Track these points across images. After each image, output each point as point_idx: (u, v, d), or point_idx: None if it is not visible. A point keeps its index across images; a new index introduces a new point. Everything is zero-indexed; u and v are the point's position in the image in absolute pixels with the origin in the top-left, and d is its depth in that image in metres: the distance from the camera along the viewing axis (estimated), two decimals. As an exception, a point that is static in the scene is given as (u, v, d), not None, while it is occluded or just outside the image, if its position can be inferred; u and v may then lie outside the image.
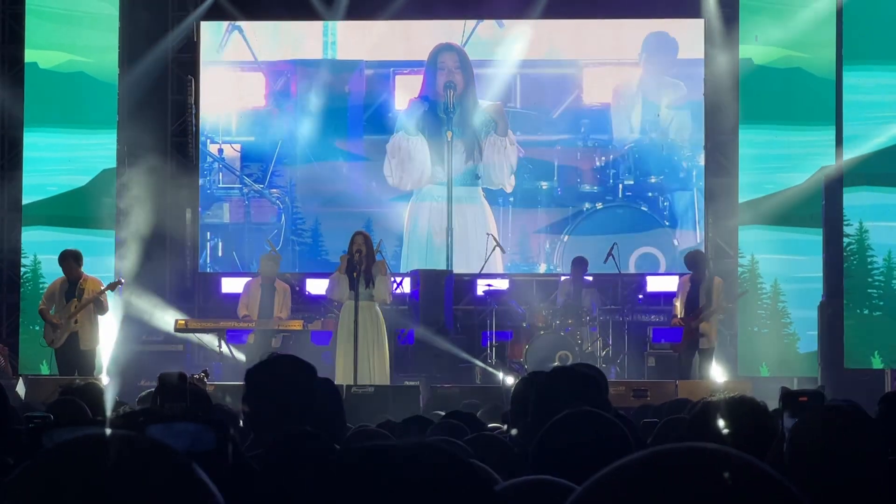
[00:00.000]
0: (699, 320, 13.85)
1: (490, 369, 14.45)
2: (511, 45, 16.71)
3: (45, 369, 15.26)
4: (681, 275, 14.58)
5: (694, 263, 14.13)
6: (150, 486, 1.24)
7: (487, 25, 16.80)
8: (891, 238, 14.52)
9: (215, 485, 1.28)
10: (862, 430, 3.12)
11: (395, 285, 14.41)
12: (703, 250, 16.14)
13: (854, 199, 14.45)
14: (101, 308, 13.59)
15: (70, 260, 13.54)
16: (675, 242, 16.43)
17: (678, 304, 14.14)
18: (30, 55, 15.91)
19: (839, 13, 14.87)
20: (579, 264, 15.29)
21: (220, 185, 17.08)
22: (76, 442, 1.27)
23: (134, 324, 16.01)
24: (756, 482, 1.16)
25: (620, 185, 16.69)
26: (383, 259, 13.19)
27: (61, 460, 1.25)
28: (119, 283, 14.12)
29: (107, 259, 15.46)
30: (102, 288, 13.80)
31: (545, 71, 16.80)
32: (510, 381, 12.88)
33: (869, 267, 14.47)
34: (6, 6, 16.61)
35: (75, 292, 13.45)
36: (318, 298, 15.41)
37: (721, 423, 3.73)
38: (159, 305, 15.54)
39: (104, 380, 13.29)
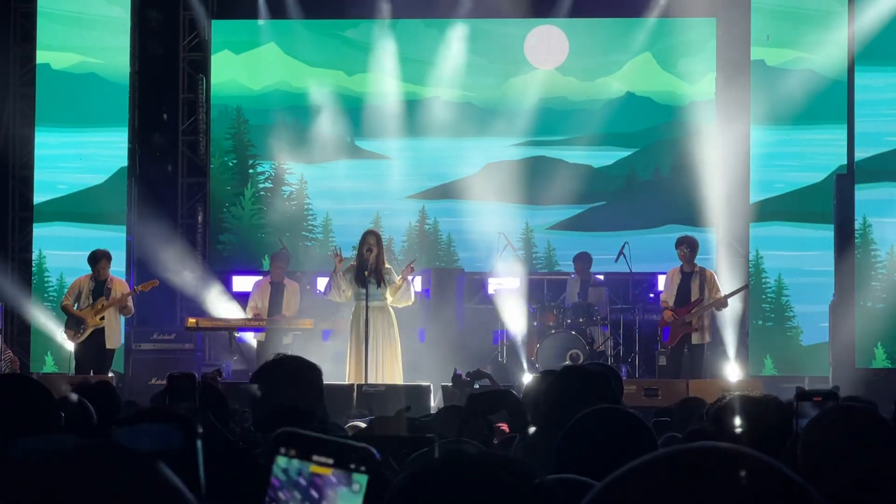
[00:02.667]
0: (694, 313, 13.64)
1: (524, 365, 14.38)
2: (520, 47, 16.72)
3: (49, 361, 15.35)
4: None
5: (685, 245, 13.70)
6: (117, 491, 1.25)
7: (506, 24, 16.78)
8: (893, 232, 14.63)
9: (188, 481, 1.30)
10: (875, 430, 3.10)
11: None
12: (715, 248, 16.13)
13: (860, 195, 14.57)
14: (127, 310, 13.80)
15: (104, 260, 13.77)
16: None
17: (665, 297, 13.81)
18: (42, 56, 16.01)
19: (850, 12, 14.90)
20: (583, 260, 15.27)
21: (231, 183, 17.09)
22: (44, 457, 1.28)
23: (145, 322, 16.04)
24: (773, 483, 1.15)
25: (631, 183, 16.66)
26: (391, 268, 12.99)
27: (30, 475, 1.26)
28: (154, 284, 14.23)
29: (117, 254, 15.54)
30: (137, 287, 14.01)
31: (556, 70, 16.78)
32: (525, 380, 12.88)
33: (872, 260, 14.61)
34: (17, 5, 16.65)
35: (103, 291, 13.62)
36: (328, 297, 15.42)
37: (744, 421, 3.70)
38: (221, 296, 15.70)
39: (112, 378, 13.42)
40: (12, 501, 1.26)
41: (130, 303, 13.86)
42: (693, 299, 13.62)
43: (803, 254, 15.45)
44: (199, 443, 1.55)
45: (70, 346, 14.01)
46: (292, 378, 4.04)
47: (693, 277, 13.69)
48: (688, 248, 13.74)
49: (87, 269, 13.93)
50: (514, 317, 15.06)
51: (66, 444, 1.35)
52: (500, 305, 15.16)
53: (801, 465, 3.02)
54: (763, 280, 15.54)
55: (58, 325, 14.66)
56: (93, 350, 13.60)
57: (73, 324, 13.67)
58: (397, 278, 12.64)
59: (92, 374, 13.23)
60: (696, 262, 13.88)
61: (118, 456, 1.29)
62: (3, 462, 1.36)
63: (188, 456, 1.53)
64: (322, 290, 13.18)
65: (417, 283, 15.27)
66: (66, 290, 14.28)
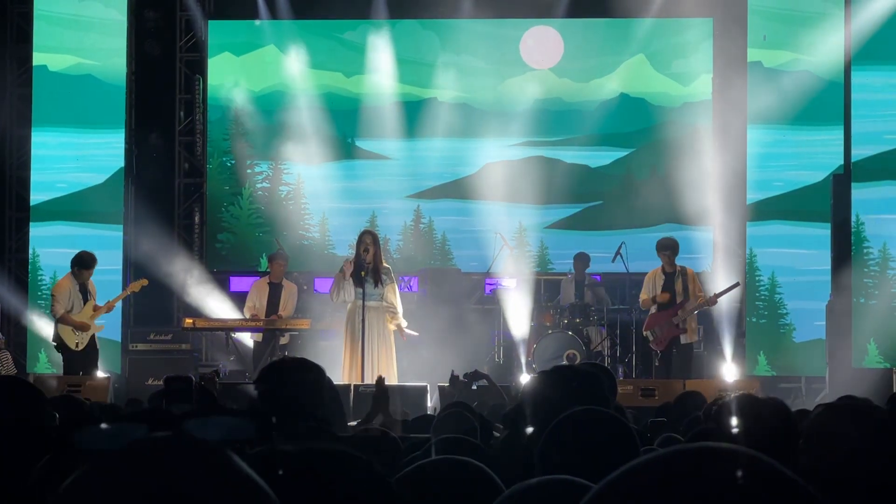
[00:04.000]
0: (681, 315, 13.53)
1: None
2: (516, 47, 16.76)
3: (42, 358, 15.35)
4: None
5: (665, 249, 13.62)
6: (191, 480, 1.26)
7: (502, 25, 16.79)
8: (885, 230, 14.73)
9: (260, 471, 1.31)
10: (878, 427, 3.09)
11: (402, 283, 14.37)
12: (712, 248, 16.16)
13: (855, 194, 14.68)
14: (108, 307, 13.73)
15: (93, 265, 13.57)
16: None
17: (648, 298, 13.69)
18: (39, 58, 16.03)
19: (847, 14, 14.95)
20: (581, 259, 15.27)
21: (230, 183, 17.10)
22: (117, 447, 1.29)
23: (142, 322, 16.04)
24: (775, 484, 1.15)
25: (628, 183, 16.68)
26: (389, 268, 12.89)
27: (115, 466, 1.27)
28: (143, 282, 14.17)
29: (115, 254, 15.55)
30: (128, 289, 13.95)
31: (551, 71, 16.80)
32: (522, 380, 12.87)
33: (865, 258, 14.69)
34: (14, 5, 16.67)
35: (87, 295, 13.52)
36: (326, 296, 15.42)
37: (747, 421, 3.68)
38: (217, 298, 15.71)
39: (103, 375, 13.45)
40: (86, 490, 1.26)
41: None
42: (679, 300, 13.57)
43: (799, 252, 15.51)
44: (273, 434, 1.55)
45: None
46: (293, 378, 4.05)
47: (676, 277, 13.64)
48: (670, 251, 13.70)
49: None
50: (515, 316, 15.06)
51: (138, 434, 1.36)
52: (503, 304, 15.16)
53: (806, 465, 3.00)
54: (757, 278, 15.60)
55: (49, 325, 14.57)
56: (88, 352, 13.50)
57: (72, 333, 13.40)
58: (395, 293, 12.53)
59: (81, 374, 13.20)
60: (676, 261, 13.83)
61: (192, 446, 1.29)
62: (74, 450, 1.37)
63: (263, 447, 1.54)
64: (329, 295, 12.91)
65: (414, 283, 15.28)
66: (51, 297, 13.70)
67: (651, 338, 13.68)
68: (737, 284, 14.30)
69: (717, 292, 13.87)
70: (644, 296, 13.79)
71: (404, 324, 12.58)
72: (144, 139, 16.86)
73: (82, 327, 13.38)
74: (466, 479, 2.70)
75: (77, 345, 13.40)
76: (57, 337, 13.44)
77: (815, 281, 15.22)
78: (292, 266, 15.44)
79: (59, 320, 13.42)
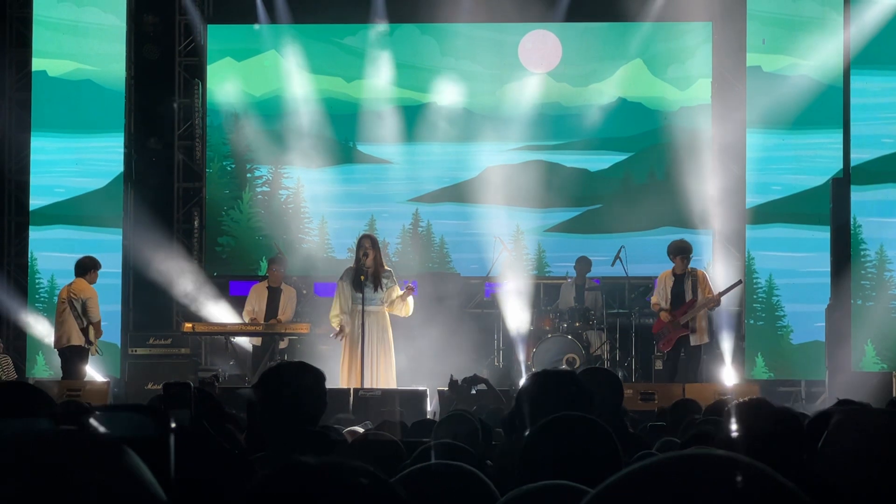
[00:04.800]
0: (688, 315, 13.56)
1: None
2: (515, 51, 16.77)
3: (41, 362, 15.35)
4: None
5: (681, 253, 13.63)
6: (80, 475, 1.27)
7: (502, 29, 16.80)
8: (882, 232, 14.81)
9: (157, 470, 1.32)
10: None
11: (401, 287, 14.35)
12: (711, 251, 16.16)
13: (853, 197, 14.73)
14: None
15: (99, 268, 13.64)
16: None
17: (659, 301, 13.67)
18: (38, 64, 16.06)
19: (846, 18, 14.97)
20: (583, 264, 15.26)
21: (230, 187, 17.10)
22: (12, 439, 1.30)
23: (141, 327, 16.04)
24: (766, 489, 1.16)
25: (627, 186, 16.68)
26: (390, 270, 12.88)
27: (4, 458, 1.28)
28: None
29: (114, 257, 15.55)
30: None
31: (550, 75, 16.81)
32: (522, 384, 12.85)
33: (862, 259, 14.75)
34: (14, 11, 16.68)
35: None
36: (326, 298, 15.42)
37: (747, 427, 3.67)
38: (217, 303, 15.72)
39: (102, 379, 13.44)
40: None
41: None
42: (687, 300, 13.57)
43: (798, 255, 15.54)
44: (171, 433, 1.57)
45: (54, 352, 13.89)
46: (293, 382, 4.06)
47: (686, 279, 13.63)
48: (684, 255, 13.68)
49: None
50: (515, 320, 15.06)
51: (38, 427, 1.37)
52: (502, 308, 15.15)
53: (824, 472, 2.99)
54: (755, 280, 15.64)
55: (49, 327, 14.57)
56: (85, 356, 13.57)
57: (95, 337, 13.50)
58: (397, 292, 12.53)
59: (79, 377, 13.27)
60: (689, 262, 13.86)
61: (84, 442, 1.30)
62: None
63: (161, 445, 1.55)
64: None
65: (413, 287, 15.27)
66: (82, 302, 13.38)
67: (659, 338, 13.67)
68: (739, 282, 14.33)
69: (720, 291, 13.84)
70: (655, 298, 13.77)
71: (401, 291, 12.50)
72: (144, 144, 16.86)
73: (99, 331, 13.49)
74: (459, 484, 2.70)
75: (97, 349, 13.50)
76: (86, 341, 13.41)
77: (812, 283, 15.27)
78: (292, 270, 15.45)
79: (95, 324, 13.45)
